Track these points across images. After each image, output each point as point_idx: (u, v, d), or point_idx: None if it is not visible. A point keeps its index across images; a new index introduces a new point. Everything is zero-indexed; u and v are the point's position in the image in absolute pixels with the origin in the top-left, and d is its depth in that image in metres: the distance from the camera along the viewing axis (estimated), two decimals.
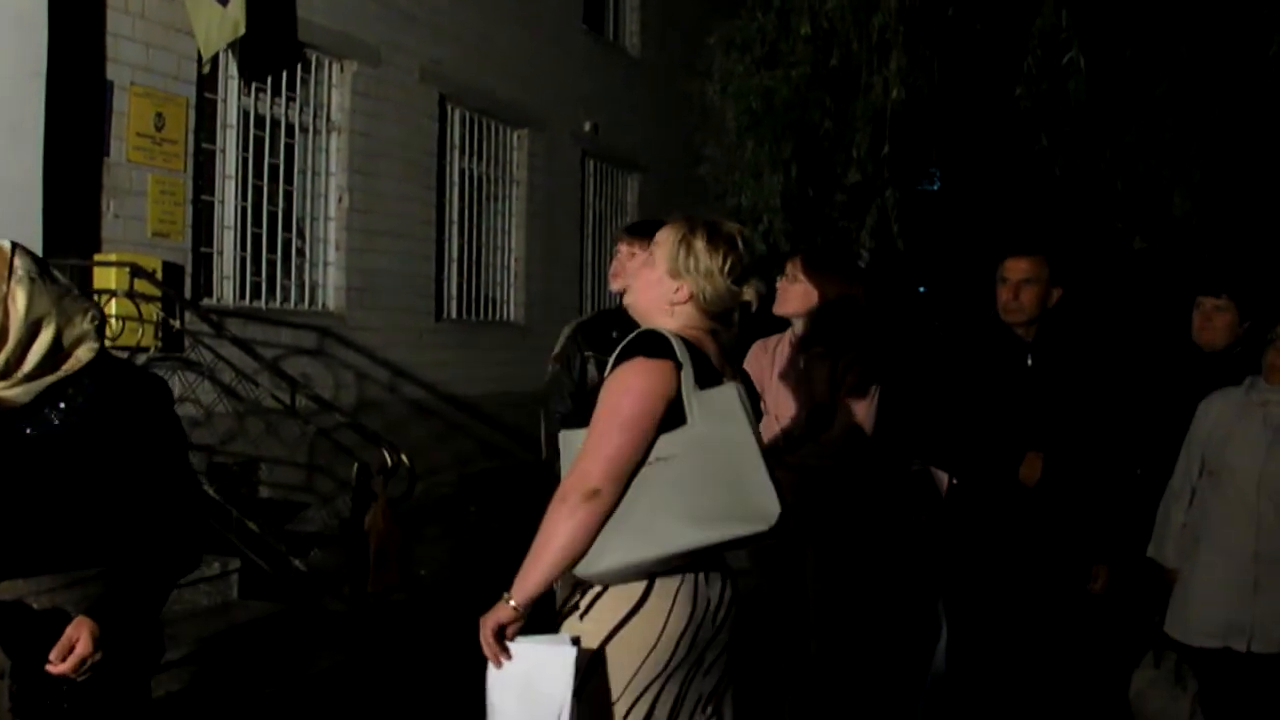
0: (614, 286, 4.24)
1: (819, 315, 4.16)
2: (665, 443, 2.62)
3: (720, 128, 9.79)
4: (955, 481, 4.49)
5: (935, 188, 14.98)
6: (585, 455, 2.62)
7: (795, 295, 4.17)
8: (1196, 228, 8.86)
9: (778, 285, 4.23)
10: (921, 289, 18.80)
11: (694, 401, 2.64)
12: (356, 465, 6.47)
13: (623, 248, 4.20)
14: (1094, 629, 4.51)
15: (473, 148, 11.24)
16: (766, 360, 4.29)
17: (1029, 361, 4.32)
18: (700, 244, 2.79)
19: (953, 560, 4.44)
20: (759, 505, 2.60)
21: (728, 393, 2.68)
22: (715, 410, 2.64)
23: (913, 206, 10.27)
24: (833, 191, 9.69)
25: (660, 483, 2.60)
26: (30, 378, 2.53)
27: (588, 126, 13.06)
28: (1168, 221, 8.79)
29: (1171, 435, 4.30)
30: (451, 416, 10.12)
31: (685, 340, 2.72)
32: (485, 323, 11.44)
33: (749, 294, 2.83)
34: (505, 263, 11.83)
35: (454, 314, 10.94)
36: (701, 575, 2.69)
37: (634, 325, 4.18)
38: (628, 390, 2.66)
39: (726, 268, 2.78)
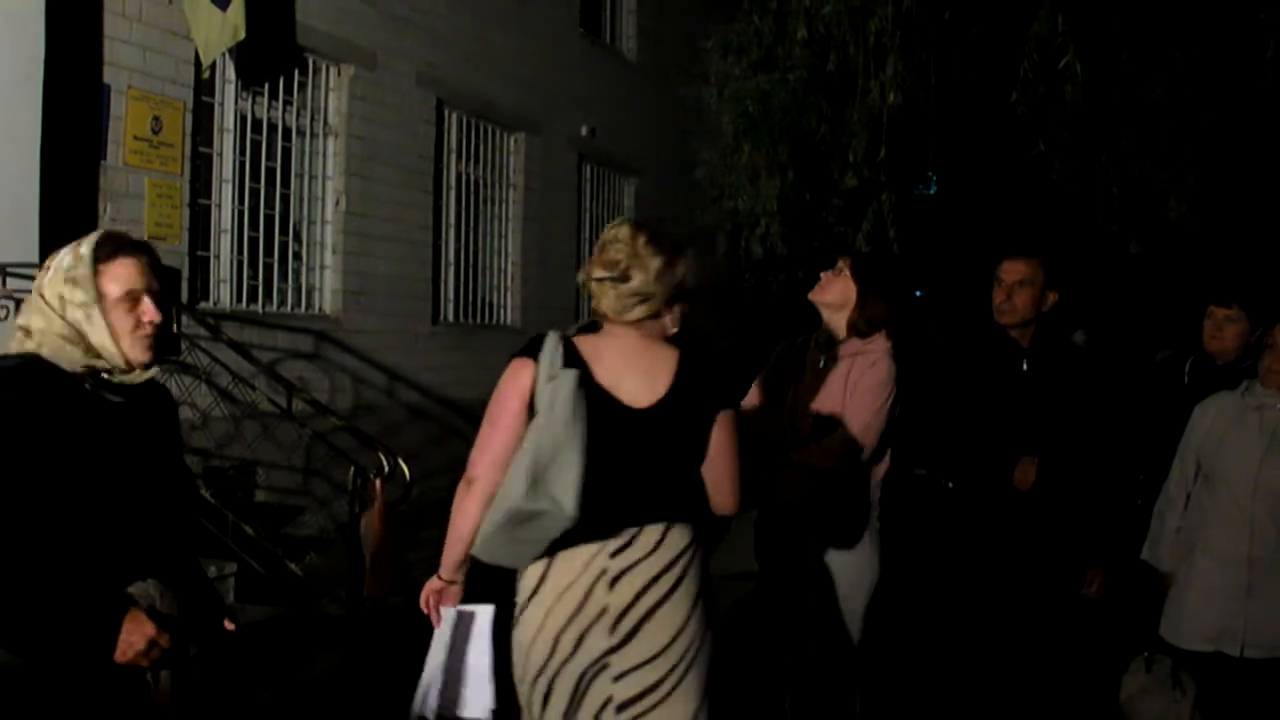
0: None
1: (850, 313, 4.17)
2: (527, 431, 2.87)
3: (717, 132, 9.81)
4: (951, 486, 4.49)
5: (931, 192, 15.01)
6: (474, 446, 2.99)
7: (835, 289, 4.18)
8: (1192, 232, 8.88)
9: (820, 275, 4.24)
10: (918, 293, 18.84)
11: (543, 395, 2.85)
12: (353, 469, 6.47)
13: None
14: (1088, 632, 4.52)
15: (469, 151, 11.24)
16: (788, 358, 4.30)
17: (1024, 366, 4.33)
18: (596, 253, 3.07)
19: (949, 563, 4.45)
20: (555, 496, 2.77)
21: (558, 386, 2.84)
22: (545, 403, 2.84)
23: (909, 210, 10.29)
24: (829, 195, 9.71)
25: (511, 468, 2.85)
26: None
27: (584, 130, 13.07)
28: (1164, 225, 8.82)
29: (1174, 441, 4.31)
30: (448, 420, 10.11)
31: (570, 340, 2.97)
32: (482, 326, 11.44)
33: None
34: (502, 266, 11.84)
35: (450, 317, 10.95)
36: (594, 577, 2.87)
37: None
38: (496, 387, 3.00)
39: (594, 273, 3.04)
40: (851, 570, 4.06)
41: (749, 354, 4.56)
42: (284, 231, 8.97)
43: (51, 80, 6.41)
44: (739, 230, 9.93)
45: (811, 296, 4.23)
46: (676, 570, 2.92)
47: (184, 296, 7.74)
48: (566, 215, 12.98)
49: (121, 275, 2.57)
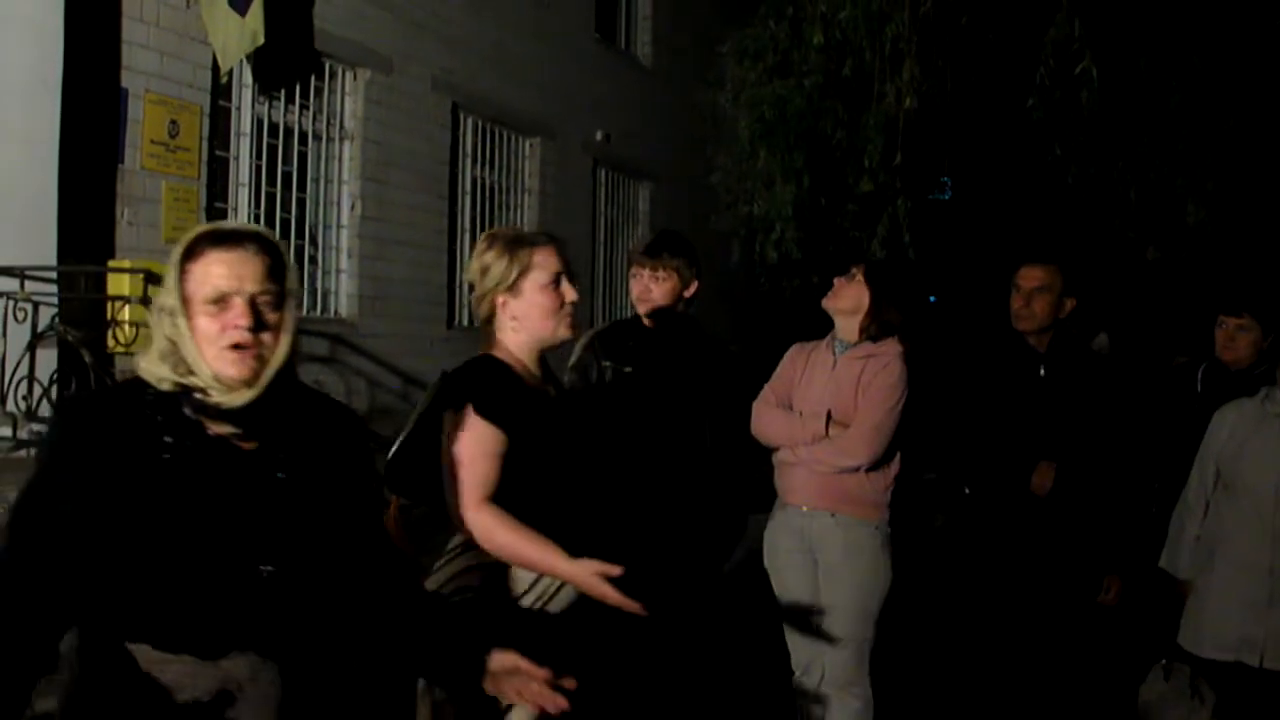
0: (642, 309, 4.26)
1: (862, 319, 4.17)
2: None
3: (732, 137, 9.80)
4: (968, 491, 4.48)
5: (947, 197, 14.98)
6: None
7: (848, 295, 4.18)
8: (1210, 237, 8.85)
9: (834, 281, 4.24)
10: (933, 299, 18.80)
11: None
12: None
13: (644, 271, 4.23)
14: (1105, 639, 4.49)
15: (485, 156, 11.26)
16: (801, 361, 4.29)
17: (1041, 372, 4.31)
18: None
19: (965, 568, 4.43)
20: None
21: None
22: None
23: (925, 216, 10.27)
24: (845, 201, 9.69)
25: None
26: None
27: (599, 135, 13.08)
28: (1181, 231, 8.78)
29: (1191, 449, 4.28)
30: None
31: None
32: None
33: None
34: None
35: (465, 321, 10.95)
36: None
37: (649, 336, 4.21)
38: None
39: None
40: (862, 573, 4.05)
41: (763, 358, 4.55)
42: (300, 235, 8.99)
43: (70, 85, 6.44)
44: (754, 235, 9.91)
45: (825, 304, 4.23)
46: None
47: None
48: (581, 220, 12.99)
49: (209, 274, 2.09)
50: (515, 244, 2.97)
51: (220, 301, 2.06)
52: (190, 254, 2.10)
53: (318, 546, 2.20)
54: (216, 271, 2.08)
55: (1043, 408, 4.25)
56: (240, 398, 2.08)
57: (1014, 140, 9.89)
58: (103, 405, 2.14)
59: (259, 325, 2.08)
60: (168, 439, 2.06)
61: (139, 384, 2.10)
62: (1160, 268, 9.81)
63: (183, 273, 2.09)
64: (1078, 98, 8.14)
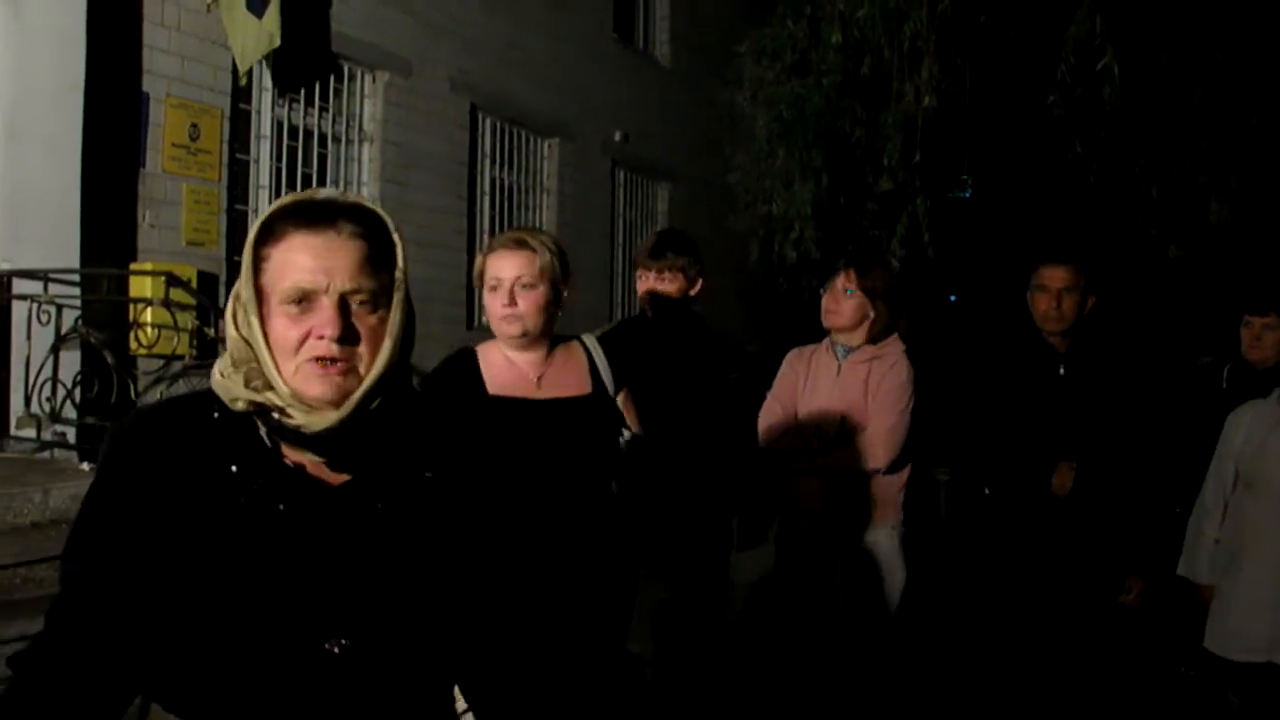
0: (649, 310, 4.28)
1: (865, 329, 4.16)
2: None
3: (751, 136, 9.79)
4: (988, 492, 4.46)
5: (967, 195, 14.93)
6: None
7: (847, 312, 4.16)
8: (1233, 235, 8.79)
9: (824, 298, 4.22)
10: (953, 297, 18.73)
11: None
12: None
13: (649, 273, 4.24)
14: (1126, 640, 4.47)
15: (503, 157, 11.27)
16: (802, 368, 4.29)
17: (1062, 371, 4.29)
18: None
19: (985, 569, 4.41)
20: None
21: None
22: None
23: (944, 214, 10.24)
24: (864, 200, 9.67)
25: None
26: None
27: (618, 136, 13.08)
28: (1204, 229, 8.73)
29: (1211, 447, 4.26)
30: None
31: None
32: None
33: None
34: None
35: (485, 322, 10.97)
36: None
37: (654, 335, 4.21)
38: None
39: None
40: (880, 574, 4.05)
41: (782, 358, 4.54)
42: None
43: (92, 89, 6.48)
44: (773, 235, 9.90)
45: (827, 324, 4.22)
46: None
47: (222, 301, 7.79)
48: (600, 221, 12.99)
49: (290, 263, 1.60)
50: (488, 249, 3.20)
51: (302, 301, 1.59)
52: (267, 234, 1.62)
53: (419, 617, 1.68)
54: (298, 261, 1.59)
55: (1063, 407, 4.23)
56: (324, 419, 1.59)
57: (1035, 138, 9.84)
58: (157, 428, 1.67)
59: (349, 332, 1.60)
60: (234, 468, 1.62)
61: (207, 399, 1.67)
62: (1183, 266, 9.75)
63: (258, 259, 1.62)
64: (1099, 94, 8.10)
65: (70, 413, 6.24)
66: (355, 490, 1.66)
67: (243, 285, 1.62)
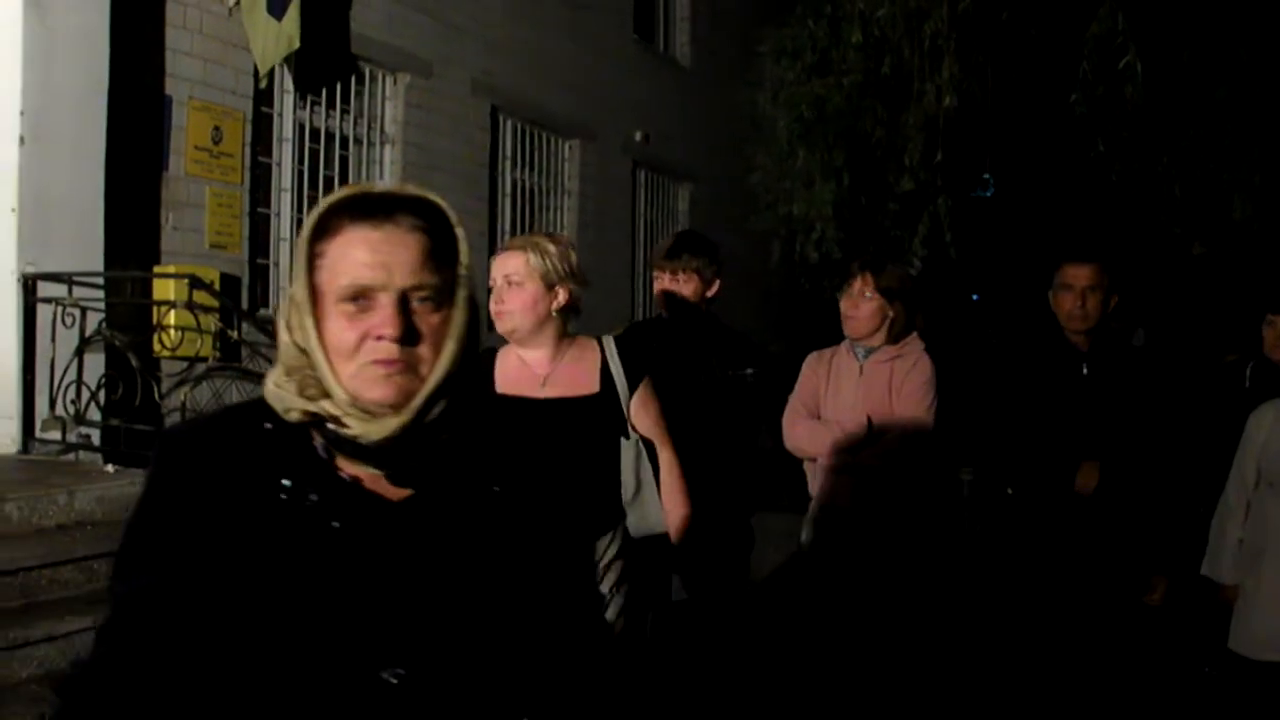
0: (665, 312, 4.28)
1: (885, 330, 4.16)
2: None
3: (771, 136, 9.78)
4: (1012, 491, 4.44)
5: (989, 195, 14.87)
6: None
7: (865, 316, 4.16)
8: (1257, 232, 8.73)
9: (841, 303, 4.21)
10: (975, 296, 18.67)
11: None
12: None
13: (665, 275, 4.25)
14: (1151, 640, 4.45)
15: (524, 159, 11.30)
16: (823, 370, 4.28)
17: (1084, 370, 4.26)
18: None
19: (1009, 568, 4.40)
20: None
21: None
22: None
23: (966, 214, 10.21)
24: (885, 199, 9.65)
25: None
26: None
27: (639, 136, 13.09)
28: (1227, 226, 8.68)
29: (1234, 446, 4.23)
30: None
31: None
32: None
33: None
34: None
35: None
36: None
37: (671, 338, 4.21)
38: None
39: None
40: (906, 571, 4.05)
41: (803, 358, 4.54)
42: None
43: (116, 93, 6.52)
44: (794, 235, 9.90)
45: (848, 330, 4.21)
46: None
47: (244, 303, 7.84)
48: (621, 221, 13.00)
49: (346, 259, 1.48)
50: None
51: (360, 299, 1.47)
52: (322, 229, 1.50)
53: (484, 645, 1.53)
54: (355, 256, 1.47)
55: (1086, 406, 4.20)
56: (383, 428, 1.46)
57: (1057, 137, 9.80)
58: (206, 440, 1.56)
59: (410, 332, 1.48)
60: (285, 483, 1.50)
61: (260, 409, 1.56)
62: (1207, 263, 9.69)
63: (313, 255, 1.50)
64: (1121, 93, 8.06)
65: (95, 415, 6.28)
66: (417, 506, 1.52)
67: (297, 284, 1.50)
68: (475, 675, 1.51)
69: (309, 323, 1.48)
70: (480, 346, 1.59)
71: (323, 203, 1.52)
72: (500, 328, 3.21)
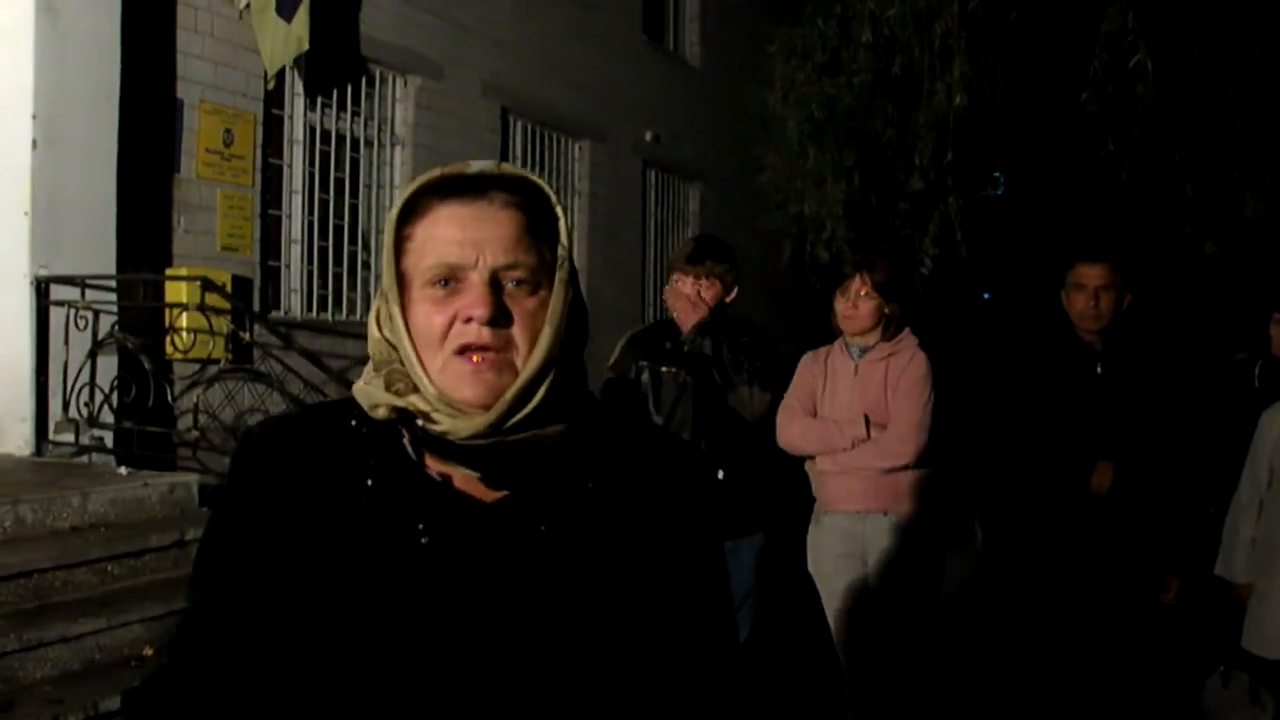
0: (696, 317, 4.25)
1: (881, 328, 4.17)
2: None
3: (781, 136, 9.77)
4: (1027, 490, 4.44)
5: (999, 193, 14.85)
6: None
7: (864, 314, 4.16)
8: (1268, 231, 8.70)
9: (838, 303, 4.22)
10: (986, 295, 18.64)
11: None
12: None
13: (690, 281, 4.24)
14: (1165, 640, 4.44)
15: (534, 159, 11.30)
16: (819, 370, 4.29)
17: (1098, 369, 4.25)
18: None
19: (1021, 567, 4.39)
20: None
21: None
22: None
23: (976, 213, 10.18)
24: (896, 199, 9.63)
25: None
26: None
27: (649, 137, 13.09)
28: (1239, 225, 8.65)
29: (1242, 445, 4.22)
30: None
31: None
32: None
33: None
34: None
35: None
36: None
37: (693, 349, 4.22)
38: None
39: None
40: (916, 570, 4.05)
41: None
42: (353, 241, 9.07)
43: (127, 96, 6.54)
44: (804, 235, 9.89)
45: (846, 329, 4.22)
46: None
47: (256, 306, 7.86)
48: (631, 222, 13.00)
49: (434, 238, 1.39)
50: None
51: (449, 281, 1.36)
52: (410, 211, 1.41)
53: (584, 662, 1.36)
54: (443, 234, 1.37)
55: (1100, 406, 4.20)
56: (472, 424, 1.33)
57: (1067, 135, 9.79)
58: (287, 438, 1.46)
59: (503, 316, 1.35)
60: (369, 482, 1.39)
61: (346, 407, 1.45)
62: (1218, 262, 9.65)
63: (400, 240, 1.41)
64: (1132, 91, 8.03)
65: (108, 417, 6.30)
66: (512, 508, 1.38)
67: (384, 271, 1.41)
68: (573, 696, 1.35)
69: (396, 311, 1.37)
70: (586, 336, 1.44)
71: (412, 183, 1.43)
72: None
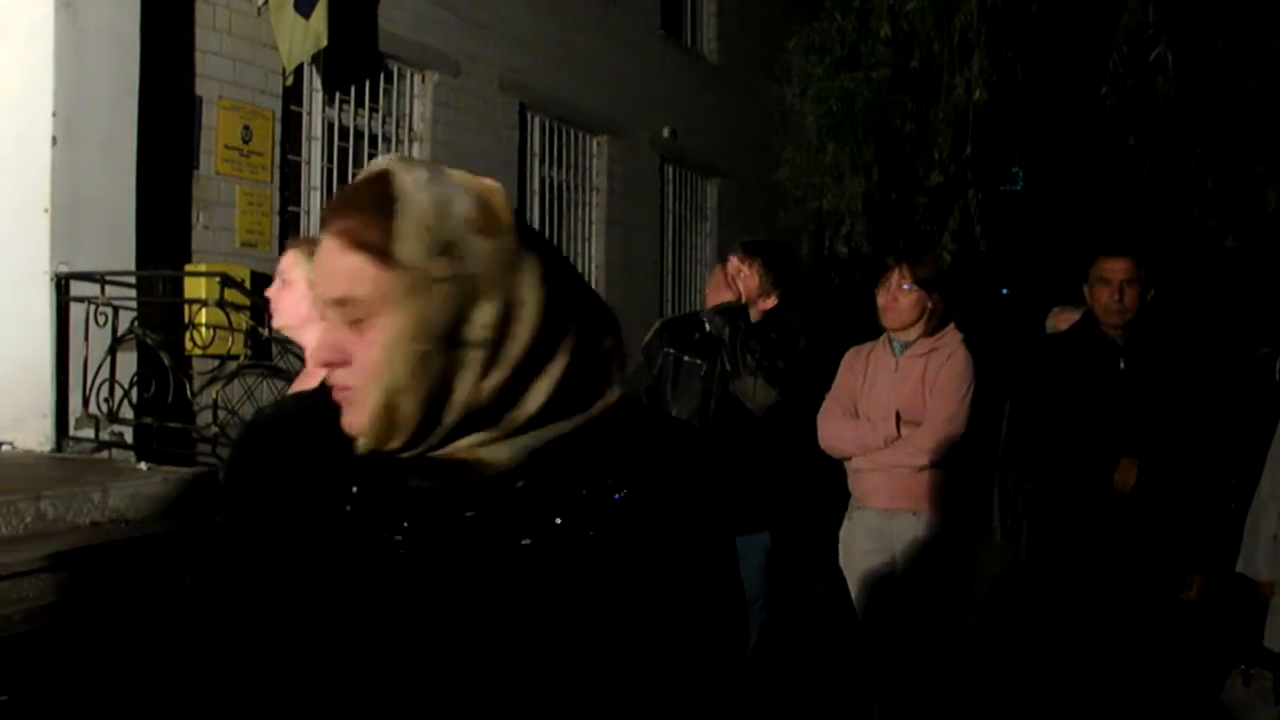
0: (724, 297, 4.28)
1: (923, 323, 4.15)
2: None
3: (800, 132, 9.75)
4: (1045, 488, 4.41)
5: (1019, 188, 14.77)
6: None
7: (906, 308, 4.13)
8: None
9: (879, 297, 4.19)
10: (1005, 291, 18.56)
11: None
12: None
13: (735, 261, 4.28)
14: (1188, 638, 4.41)
15: (552, 155, 11.30)
16: (859, 366, 4.27)
17: (1121, 365, 4.21)
18: None
19: (1045, 568, 4.37)
20: None
21: None
22: None
23: (996, 208, 10.14)
24: (915, 194, 9.61)
25: None
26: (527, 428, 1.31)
27: (666, 132, 13.07)
28: (1261, 219, 8.59)
29: (1263, 441, 4.18)
30: None
31: None
32: None
33: None
34: (585, 269, 11.86)
35: None
36: None
37: (712, 328, 4.22)
38: None
39: None
40: (944, 568, 4.03)
41: (833, 354, 4.53)
42: None
43: (146, 93, 6.57)
44: (823, 230, 9.87)
45: (886, 324, 4.19)
46: None
47: None
48: (649, 218, 12.99)
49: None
50: None
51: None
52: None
53: (597, 688, 1.26)
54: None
55: (1124, 402, 4.16)
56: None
57: (1087, 130, 9.73)
58: (283, 433, 1.41)
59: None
60: (355, 489, 1.32)
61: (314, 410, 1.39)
62: (1240, 256, 9.59)
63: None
64: (1152, 85, 7.98)
65: (128, 413, 6.33)
66: (486, 519, 1.29)
67: None
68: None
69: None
70: (571, 332, 1.35)
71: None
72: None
